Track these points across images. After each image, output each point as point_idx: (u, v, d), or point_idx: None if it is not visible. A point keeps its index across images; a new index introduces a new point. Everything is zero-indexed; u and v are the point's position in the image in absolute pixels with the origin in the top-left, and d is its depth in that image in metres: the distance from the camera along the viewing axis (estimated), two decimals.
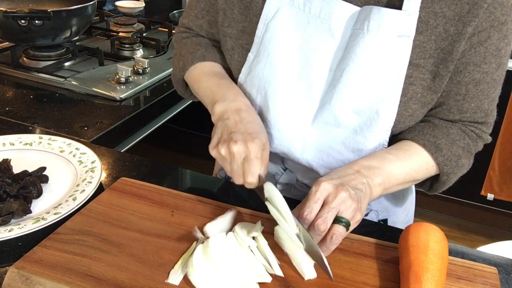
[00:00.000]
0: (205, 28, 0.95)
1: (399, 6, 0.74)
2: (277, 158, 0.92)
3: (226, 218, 0.77)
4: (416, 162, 0.80)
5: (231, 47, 0.88)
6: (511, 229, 2.61)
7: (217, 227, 0.75)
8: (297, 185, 0.95)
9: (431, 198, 2.64)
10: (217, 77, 0.89)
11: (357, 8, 0.76)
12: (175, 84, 0.99)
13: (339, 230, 0.67)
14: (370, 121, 0.79)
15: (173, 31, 1.89)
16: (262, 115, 0.85)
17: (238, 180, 0.74)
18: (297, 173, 0.93)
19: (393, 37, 0.74)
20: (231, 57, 0.88)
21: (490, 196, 2.48)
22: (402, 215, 1.01)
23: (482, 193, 2.49)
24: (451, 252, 0.73)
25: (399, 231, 0.77)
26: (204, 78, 0.89)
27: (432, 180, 0.85)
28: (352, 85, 0.77)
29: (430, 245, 0.68)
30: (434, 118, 0.83)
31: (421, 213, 2.75)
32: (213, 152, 0.76)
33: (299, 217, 0.68)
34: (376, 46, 0.75)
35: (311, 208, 0.68)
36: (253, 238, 0.72)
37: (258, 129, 0.77)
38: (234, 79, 0.90)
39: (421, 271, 0.64)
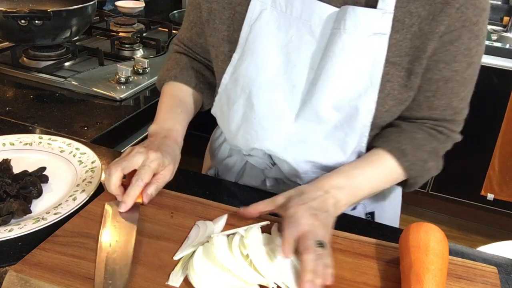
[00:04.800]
0: (194, 39, 1.00)
1: (375, 6, 0.76)
2: (265, 153, 0.93)
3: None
4: (382, 173, 0.83)
5: (215, 55, 0.92)
6: (511, 229, 2.61)
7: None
8: (286, 180, 0.96)
9: (431, 198, 2.64)
10: (174, 102, 0.95)
11: (336, 9, 0.79)
12: (159, 89, 1.05)
13: (324, 258, 0.66)
14: (349, 117, 0.81)
15: (173, 31, 1.89)
16: (246, 114, 0.88)
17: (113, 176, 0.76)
18: (283, 170, 0.94)
19: (369, 34, 0.77)
20: (216, 64, 0.92)
21: (490, 196, 2.48)
22: (389, 208, 1.03)
23: (482, 193, 2.48)
24: (451, 252, 0.73)
25: (399, 231, 0.77)
26: (165, 97, 0.97)
27: (403, 182, 0.87)
28: (331, 82, 0.79)
29: (431, 245, 0.68)
30: (402, 122, 0.86)
31: (421, 213, 2.75)
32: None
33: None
34: (353, 44, 0.77)
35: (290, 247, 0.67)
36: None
37: (170, 155, 0.82)
38: (218, 87, 0.93)
39: (422, 271, 0.64)
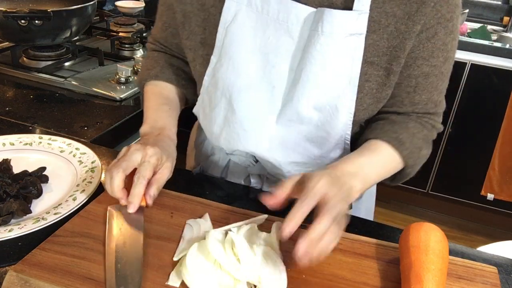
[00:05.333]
0: (169, 40, 0.99)
1: (351, 7, 0.77)
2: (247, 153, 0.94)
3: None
4: (385, 162, 0.84)
5: (192, 59, 0.91)
6: (511, 229, 2.61)
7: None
8: (269, 176, 0.96)
9: (431, 198, 2.64)
10: (160, 100, 0.95)
11: (313, 10, 0.78)
12: (140, 90, 1.05)
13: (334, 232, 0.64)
14: (330, 116, 0.82)
15: None
16: (227, 117, 0.87)
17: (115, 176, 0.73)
18: (267, 168, 0.94)
19: (346, 36, 0.77)
20: (194, 68, 0.91)
21: (490, 196, 2.48)
22: (364, 195, 1.04)
23: (482, 193, 2.49)
24: (451, 252, 0.73)
25: (399, 231, 0.77)
26: (149, 97, 0.97)
27: (396, 173, 0.87)
28: (311, 83, 0.80)
29: (431, 245, 0.68)
30: (391, 115, 0.87)
31: (421, 213, 2.75)
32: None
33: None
34: (330, 46, 0.77)
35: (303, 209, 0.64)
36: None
37: (167, 151, 0.80)
38: (199, 88, 0.92)
39: (422, 271, 0.64)
